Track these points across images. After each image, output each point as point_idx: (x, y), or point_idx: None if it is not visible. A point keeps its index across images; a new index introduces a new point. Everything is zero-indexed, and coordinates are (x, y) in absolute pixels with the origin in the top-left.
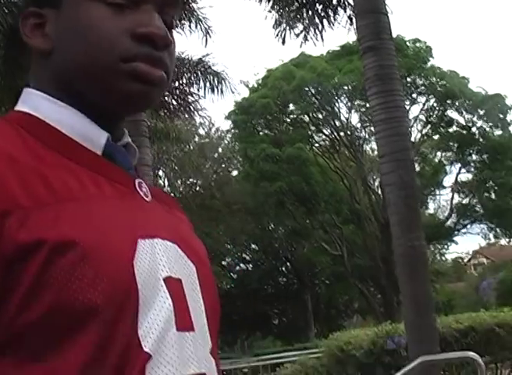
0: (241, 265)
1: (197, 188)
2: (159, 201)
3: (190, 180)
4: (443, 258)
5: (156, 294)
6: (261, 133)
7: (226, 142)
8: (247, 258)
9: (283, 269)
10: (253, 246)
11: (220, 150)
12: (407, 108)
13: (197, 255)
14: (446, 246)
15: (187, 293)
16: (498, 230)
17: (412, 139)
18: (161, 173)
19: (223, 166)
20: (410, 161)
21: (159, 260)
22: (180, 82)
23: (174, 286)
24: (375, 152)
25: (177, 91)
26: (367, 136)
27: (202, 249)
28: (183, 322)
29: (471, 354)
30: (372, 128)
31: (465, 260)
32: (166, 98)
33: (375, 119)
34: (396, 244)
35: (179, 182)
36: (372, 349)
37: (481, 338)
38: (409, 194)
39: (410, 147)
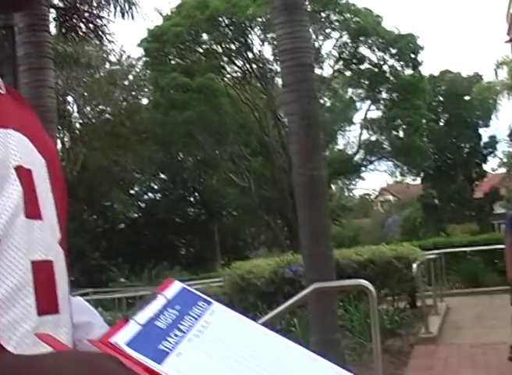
0: (149, 194)
1: (107, 115)
2: (13, 98)
3: (100, 107)
4: (351, 194)
5: (6, 181)
6: (172, 62)
7: (137, 70)
8: (156, 187)
9: (191, 199)
10: (161, 176)
11: (131, 78)
12: (320, 43)
13: (47, 150)
14: (353, 182)
15: (37, 184)
16: (405, 167)
17: (324, 74)
18: (70, 98)
19: (133, 93)
20: (312, 91)
21: (11, 150)
22: (90, 5)
23: (24, 175)
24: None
25: (86, 15)
26: (278, 69)
27: (52, 146)
28: (32, 210)
29: (363, 282)
30: None
31: (372, 197)
32: (75, 21)
33: (280, 49)
34: (296, 173)
35: (88, 109)
36: (273, 278)
37: (379, 271)
38: (310, 123)
39: (313, 78)
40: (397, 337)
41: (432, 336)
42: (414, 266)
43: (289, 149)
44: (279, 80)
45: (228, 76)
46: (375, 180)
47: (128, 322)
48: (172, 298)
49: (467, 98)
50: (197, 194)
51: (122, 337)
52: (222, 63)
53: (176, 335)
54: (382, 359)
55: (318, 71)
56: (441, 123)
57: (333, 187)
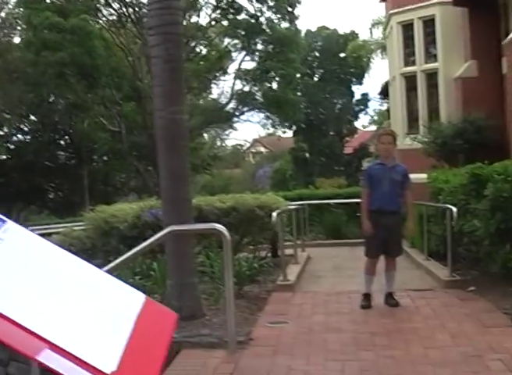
0: (18, 136)
1: None
2: None
3: None
4: (223, 144)
5: None
6: (47, 0)
7: (10, 7)
8: (25, 129)
9: (62, 143)
10: (32, 117)
11: (3, 15)
12: None
13: None
14: (226, 132)
15: None
16: (276, 120)
17: (201, 22)
18: None
19: (5, 31)
20: (178, 35)
21: None
22: None
23: None
24: None
25: None
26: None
27: None
28: None
29: (218, 226)
30: None
31: (244, 148)
32: None
33: None
34: (157, 116)
35: None
36: (136, 222)
37: (242, 219)
38: (174, 67)
39: (179, 21)
40: (255, 284)
41: (289, 283)
42: (274, 214)
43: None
44: None
45: (103, 19)
46: (248, 131)
47: None
48: None
49: (342, 55)
50: (67, 137)
51: None
52: (97, 5)
53: None
54: (239, 304)
55: (194, 19)
56: (315, 78)
57: (206, 136)
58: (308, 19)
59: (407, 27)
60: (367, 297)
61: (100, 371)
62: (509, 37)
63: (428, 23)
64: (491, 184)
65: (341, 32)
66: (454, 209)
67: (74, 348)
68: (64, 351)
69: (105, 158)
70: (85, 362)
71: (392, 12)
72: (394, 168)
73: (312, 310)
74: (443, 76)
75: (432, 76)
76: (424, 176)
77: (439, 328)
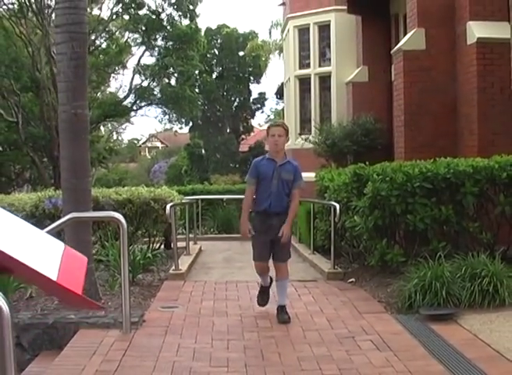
0: None
1: None
2: None
3: None
4: (120, 138)
5: None
6: None
7: None
8: None
9: None
10: None
11: None
12: None
13: None
14: (123, 126)
15: None
16: (173, 115)
17: (102, 16)
18: None
19: None
20: (83, 34)
21: None
22: None
23: None
24: None
25: None
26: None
27: None
28: None
29: (116, 214)
30: None
31: (140, 142)
32: None
33: None
34: (61, 110)
35: None
36: (34, 212)
37: (137, 210)
38: (79, 64)
39: (85, 21)
40: (149, 273)
41: (180, 273)
42: (168, 206)
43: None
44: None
45: (4, 7)
46: (145, 126)
47: None
48: None
49: (241, 53)
50: None
51: None
52: None
53: None
54: (133, 291)
55: (96, 12)
56: (214, 76)
57: (102, 129)
58: (209, 16)
59: (303, 31)
60: (265, 289)
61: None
62: (396, 47)
63: (324, 29)
64: (370, 184)
65: (241, 31)
66: (337, 206)
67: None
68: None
69: (0, 148)
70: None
71: (289, 15)
72: (284, 166)
73: (201, 297)
74: (336, 80)
75: (325, 80)
76: (312, 175)
77: (317, 313)
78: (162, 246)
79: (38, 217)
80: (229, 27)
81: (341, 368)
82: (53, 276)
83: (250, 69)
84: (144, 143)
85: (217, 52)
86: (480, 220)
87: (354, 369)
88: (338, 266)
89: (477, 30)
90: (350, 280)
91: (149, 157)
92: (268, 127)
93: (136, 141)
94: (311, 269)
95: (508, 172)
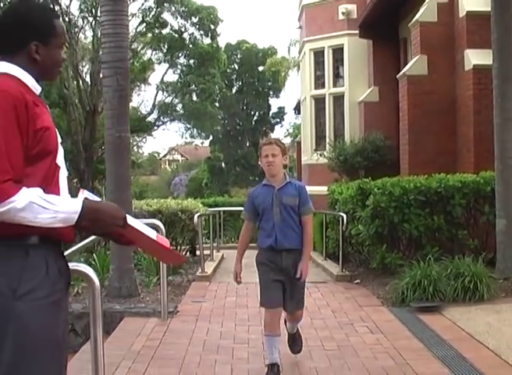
0: None
1: None
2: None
3: None
4: (140, 150)
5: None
6: None
7: None
8: None
9: None
10: None
11: None
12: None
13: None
14: (144, 140)
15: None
16: (195, 130)
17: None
18: None
19: None
20: (125, 69)
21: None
22: None
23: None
24: (89, 40)
25: None
26: (83, 24)
27: None
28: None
29: (156, 221)
30: (89, 17)
31: (161, 155)
32: None
33: (102, 33)
34: (108, 133)
35: None
36: None
37: (166, 220)
38: (122, 95)
39: (127, 58)
40: (178, 275)
41: (206, 275)
42: (196, 216)
43: (86, 103)
44: (82, 36)
45: None
46: (165, 139)
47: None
48: None
49: (260, 68)
50: None
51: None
52: None
53: None
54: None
55: None
56: (234, 90)
57: None
58: (229, 32)
59: (319, 54)
60: (273, 369)
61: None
62: (401, 72)
63: (338, 51)
64: (372, 196)
65: (260, 46)
66: (344, 216)
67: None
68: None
69: None
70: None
71: (305, 39)
72: (284, 189)
73: (225, 294)
74: (349, 100)
75: (338, 99)
76: (325, 188)
77: (324, 306)
78: (188, 253)
79: None
80: (248, 43)
81: (339, 345)
82: (165, 244)
83: (270, 84)
84: (164, 156)
85: (237, 67)
86: (468, 228)
87: (350, 346)
88: (346, 270)
89: (473, 57)
90: (356, 281)
91: (169, 170)
92: (260, 147)
93: (156, 154)
94: (323, 273)
95: (492, 186)
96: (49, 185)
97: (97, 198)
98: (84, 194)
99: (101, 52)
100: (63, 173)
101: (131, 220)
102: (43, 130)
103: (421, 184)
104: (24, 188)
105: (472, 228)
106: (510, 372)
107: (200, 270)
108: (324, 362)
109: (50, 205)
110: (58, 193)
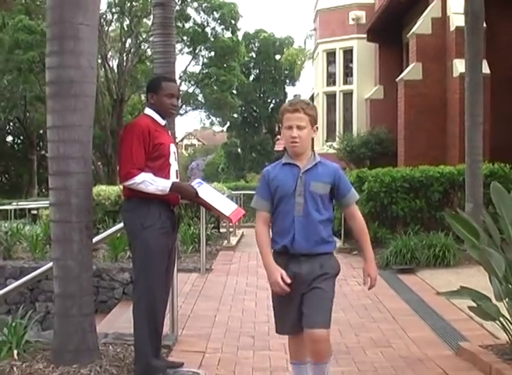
0: None
1: None
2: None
3: None
4: None
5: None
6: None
7: None
8: None
9: (11, 128)
10: None
11: None
12: None
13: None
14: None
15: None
16: (215, 119)
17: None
18: None
19: None
20: (172, 75)
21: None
22: None
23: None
24: (116, 32)
25: None
26: (110, 18)
27: None
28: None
29: None
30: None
31: (178, 140)
32: None
33: (155, 50)
34: None
35: None
36: (117, 200)
37: None
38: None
39: (174, 71)
40: (208, 246)
41: (231, 246)
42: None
43: (114, 92)
44: (109, 29)
45: None
46: (183, 124)
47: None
48: None
49: (277, 57)
50: (19, 124)
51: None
52: None
53: None
54: (200, 256)
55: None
56: (251, 78)
57: None
58: (247, 21)
59: (331, 54)
60: None
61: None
62: (399, 77)
63: (348, 53)
64: (367, 183)
65: (278, 36)
66: None
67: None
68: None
69: None
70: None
71: (319, 41)
72: (313, 171)
73: (248, 259)
74: (357, 96)
75: (348, 96)
76: None
77: None
78: (215, 230)
79: (120, 204)
80: (266, 32)
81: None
82: (227, 213)
83: (286, 72)
84: (181, 140)
85: (254, 56)
86: (444, 210)
87: (342, 293)
88: (347, 243)
89: (460, 66)
90: (354, 252)
91: (186, 154)
92: (281, 112)
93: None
94: None
95: (463, 176)
96: (162, 173)
97: (202, 183)
98: (195, 181)
99: (152, 66)
100: (174, 168)
101: (204, 195)
102: (159, 145)
103: (407, 174)
104: (143, 173)
105: (448, 210)
106: (452, 310)
107: (226, 242)
108: None
109: (154, 182)
110: (168, 178)
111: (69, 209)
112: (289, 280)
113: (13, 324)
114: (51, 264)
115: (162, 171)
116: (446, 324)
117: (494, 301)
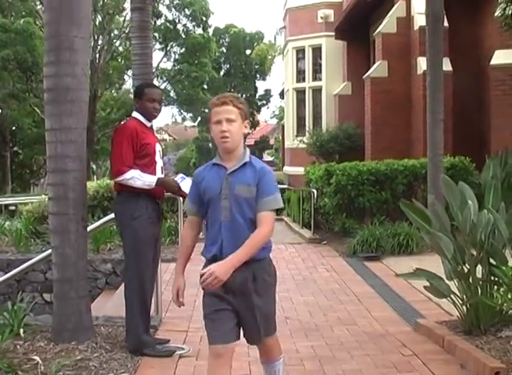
0: None
1: None
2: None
3: None
4: None
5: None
6: None
7: None
8: None
9: None
10: None
11: None
12: None
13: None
14: None
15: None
16: (186, 114)
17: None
18: None
19: None
20: (150, 80)
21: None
22: None
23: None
24: None
25: None
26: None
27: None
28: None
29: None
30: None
31: None
32: None
33: (133, 52)
34: None
35: None
36: (96, 195)
37: None
38: None
39: (151, 72)
40: None
41: None
42: None
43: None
44: None
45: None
46: (154, 120)
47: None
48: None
49: (248, 52)
50: None
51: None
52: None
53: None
54: (177, 247)
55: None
56: (221, 73)
57: None
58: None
59: (300, 52)
60: None
61: None
62: (366, 74)
63: (316, 50)
64: (335, 176)
65: (248, 31)
66: (315, 192)
67: None
68: None
69: (27, 141)
70: None
71: (289, 38)
72: (239, 173)
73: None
74: (326, 92)
75: (317, 92)
76: (302, 169)
77: (296, 257)
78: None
79: (98, 199)
80: (236, 27)
81: (305, 278)
82: None
83: (257, 67)
84: None
85: (225, 50)
86: (411, 201)
87: (311, 279)
88: (316, 234)
89: (423, 64)
90: (324, 242)
91: None
92: (208, 108)
93: None
94: (299, 238)
95: (426, 169)
96: (149, 169)
97: (185, 178)
98: (178, 176)
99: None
100: (159, 165)
101: (186, 188)
102: (145, 144)
103: (373, 168)
104: (132, 170)
105: (411, 201)
106: (413, 292)
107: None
108: (293, 286)
109: (142, 178)
110: (154, 174)
111: (67, 203)
112: (182, 304)
113: (14, 308)
114: (40, 256)
115: (149, 168)
116: (407, 305)
117: (446, 281)
